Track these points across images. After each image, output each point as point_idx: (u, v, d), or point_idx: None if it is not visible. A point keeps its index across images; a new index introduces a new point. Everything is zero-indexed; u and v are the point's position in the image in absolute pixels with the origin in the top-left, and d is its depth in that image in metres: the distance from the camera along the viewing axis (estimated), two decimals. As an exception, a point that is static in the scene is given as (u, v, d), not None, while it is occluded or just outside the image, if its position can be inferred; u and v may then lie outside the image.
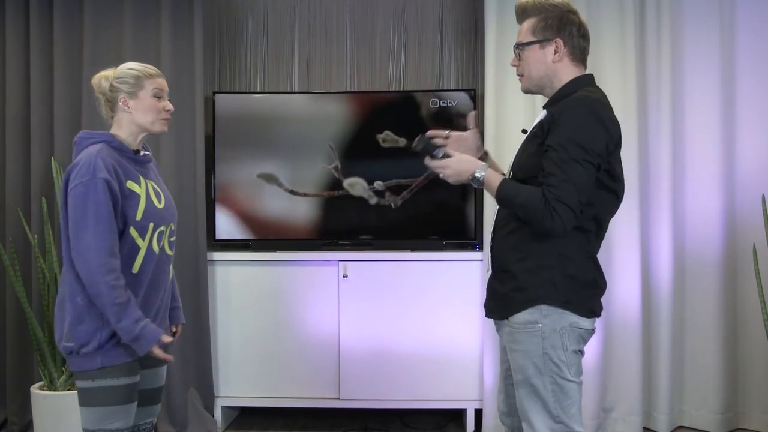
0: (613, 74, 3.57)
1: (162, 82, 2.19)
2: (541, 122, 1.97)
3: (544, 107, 2.05)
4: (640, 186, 3.56)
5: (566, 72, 1.99)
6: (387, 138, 2.06)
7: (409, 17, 4.07)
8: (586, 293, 1.96)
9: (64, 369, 3.30)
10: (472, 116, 2.18)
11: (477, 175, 1.96)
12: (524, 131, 2.09)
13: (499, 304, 2.02)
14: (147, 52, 3.69)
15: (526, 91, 2.08)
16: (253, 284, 3.68)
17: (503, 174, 2.07)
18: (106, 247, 2.00)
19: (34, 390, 3.26)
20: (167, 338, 2.10)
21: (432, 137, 2.06)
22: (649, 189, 3.61)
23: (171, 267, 2.25)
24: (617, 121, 1.93)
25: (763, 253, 3.36)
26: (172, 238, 2.23)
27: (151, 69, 2.19)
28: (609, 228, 3.46)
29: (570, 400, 1.93)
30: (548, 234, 1.87)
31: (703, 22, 3.61)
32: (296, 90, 4.07)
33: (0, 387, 3.73)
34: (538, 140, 1.94)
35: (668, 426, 3.59)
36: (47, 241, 3.36)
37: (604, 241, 3.31)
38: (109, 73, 2.18)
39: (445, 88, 4.02)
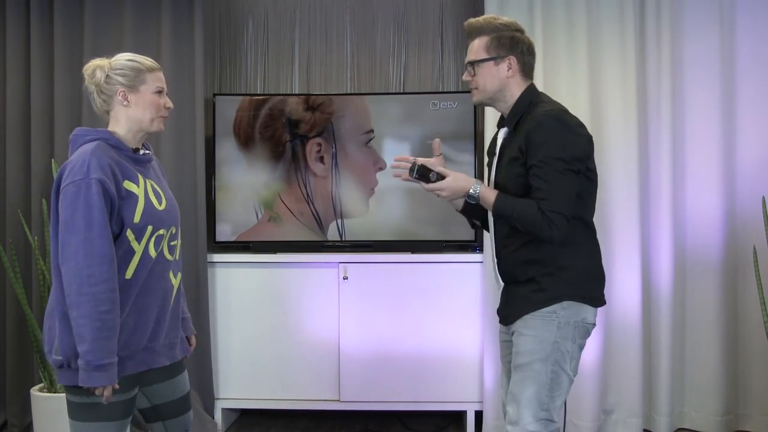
0: (613, 74, 3.57)
1: (162, 78, 2.08)
2: (518, 145, 2.08)
3: (501, 125, 2.21)
4: (640, 186, 3.55)
5: (517, 86, 2.15)
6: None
7: (409, 19, 4.08)
8: (597, 285, 2.15)
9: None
10: (436, 143, 2.26)
11: (472, 191, 2.09)
12: (490, 152, 2.24)
13: (518, 307, 2.12)
14: (147, 53, 3.59)
15: (478, 103, 2.24)
16: (253, 286, 3.68)
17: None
18: (96, 254, 1.83)
19: (34, 392, 3.26)
20: (109, 392, 1.88)
21: (422, 164, 2.14)
22: (649, 190, 3.61)
23: (175, 275, 2.08)
24: (582, 123, 2.11)
25: (764, 255, 3.36)
26: (173, 242, 2.06)
27: (151, 62, 2.08)
28: (609, 229, 3.53)
29: (560, 391, 2.06)
30: (545, 241, 2.04)
31: (703, 22, 3.61)
32: (296, 92, 4.07)
33: (0, 389, 3.73)
34: (520, 162, 2.07)
35: (669, 428, 3.59)
36: (47, 243, 3.35)
37: (604, 242, 3.35)
38: (103, 62, 2.03)
39: (445, 90, 4.02)
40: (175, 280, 2.08)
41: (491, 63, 2.12)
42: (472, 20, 2.17)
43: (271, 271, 3.67)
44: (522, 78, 2.15)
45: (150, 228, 1.95)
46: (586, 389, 3.54)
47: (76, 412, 1.95)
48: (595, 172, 2.15)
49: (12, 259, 3.35)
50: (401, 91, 4.05)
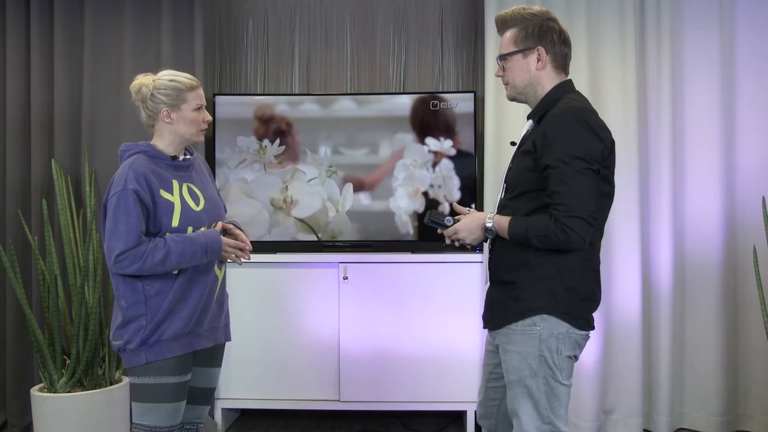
0: (613, 74, 3.57)
1: (202, 94, 2.24)
2: (532, 139, 1.98)
3: (528, 117, 2.10)
4: (640, 187, 3.56)
5: (549, 79, 2.04)
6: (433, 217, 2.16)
7: (409, 19, 4.08)
8: (584, 306, 2.00)
9: (63, 371, 3.29)
10: (459, 209, 2.20)
11: (488, 225, 2.02)
12: (513, 143, 2.14)
13: (498, 313, 2.04)
14: (147, 53, 3.70)
15: (512, 99, 2.12)
16: (253, 286, 3.68)
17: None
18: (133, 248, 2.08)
19: (34, 392, 3.25)
20: (221, 225, 2.20)
21: (438, 211, 2.15)
22: (649, 190, 3.61)
23: (219, 267, 2.26)
24: (606, 126, 1.97)
25: (764, 255, 3.36)
26: None
27: (192, 80, 2.23)
28: (609, 230, 3.53)
29: (559, 401, 1.98)
30: (569, 250, 1.90)
31: (703, 22, 3.62)
32: (296, 92, 4.07)
33: (0, 389, 3.73)
34: (531, 156, 1.97)
35: (668, 428, 3.59)
36: (47, 242, 3.35)
37: (603, 244, 3.31)
38: (148, 80, 2.20)
39: (445, 90, 4.02)
40: (220, 272, 2.28)
41: (519, 56, 2.02)
42: (500, 12, 2.08)
43: (271, 271, 3.67)
44: (555, 71, 2.04)
45: (190, 229, 2.16)
46: (586, 389, 3.54)
47: (135, 393, 2.17)
48: (613, 189, 2.02)
49: (12, 259, 3.35)
50: (401, 91, 4.05)
